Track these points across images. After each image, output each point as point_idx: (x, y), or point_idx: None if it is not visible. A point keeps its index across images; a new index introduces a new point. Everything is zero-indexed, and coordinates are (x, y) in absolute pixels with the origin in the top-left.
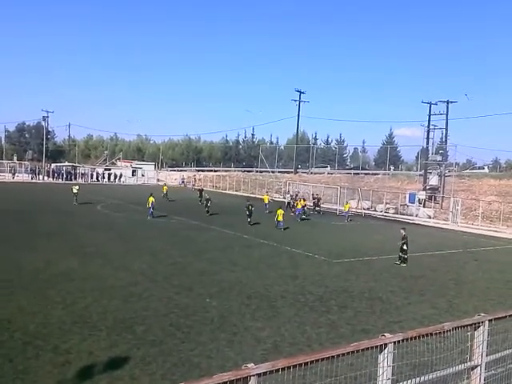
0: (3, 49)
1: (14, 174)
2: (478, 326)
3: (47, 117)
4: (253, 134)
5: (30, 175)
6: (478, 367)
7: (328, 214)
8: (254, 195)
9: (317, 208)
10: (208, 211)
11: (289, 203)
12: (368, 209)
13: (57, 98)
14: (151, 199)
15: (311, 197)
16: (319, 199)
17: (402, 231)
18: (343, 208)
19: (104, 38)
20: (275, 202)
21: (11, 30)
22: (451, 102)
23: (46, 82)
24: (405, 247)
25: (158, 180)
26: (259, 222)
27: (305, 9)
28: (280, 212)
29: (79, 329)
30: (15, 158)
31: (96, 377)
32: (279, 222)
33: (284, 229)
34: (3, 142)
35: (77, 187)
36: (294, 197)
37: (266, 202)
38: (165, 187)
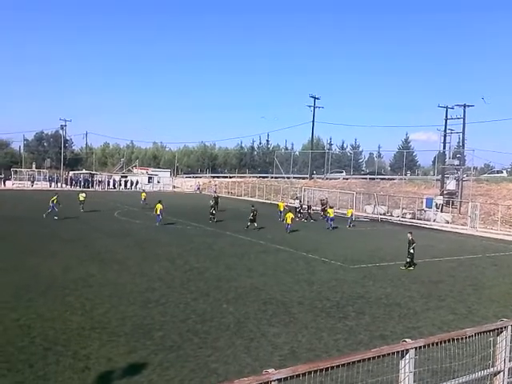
0: (22, 58)
1: (32, 182)
2: (501, 331)
3: (65, 125)
4: (267, 140)
5: (49, 183)
6: (501, 373)
7: (343, 219)
8: (269, 201)
9: (323, 213)
10: (213, 217)
11: (296, 208)
12: (384, 214)
13: (74, 106)
14: (159, 206)
15: (319, 202)
16: (326, 203)
17: (408, 235)
18: (346, 213)
19: (121, 46)
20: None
21: (28, 39)
22: (468, 106)
23: (64, 90)
24: (411, 251)
25: (174, 187)
26: (274, 229)
27: (319, 15)
28: (289, 215)
29: (98, 335)
30: (34, 166)
31: (115, 382)
32: (288, 224)
33: (290, 231)
34: (22, 150)
35: (83, 194)
36: (302, 202)
37: (281, 209)
38: (143, 194)
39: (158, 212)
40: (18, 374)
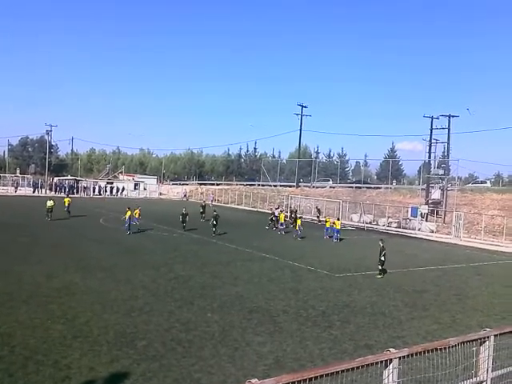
0: (6, 62)
1: (16, 188)
2: (484, 341)
3: (50, 131)
4: (255, 148)
5: (33, 189)
6: (484, 383)
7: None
8: (255, 209)
9: (318, 222)
10: (214, 230)
11: (276, 217)
12: (370, 223)
13: (60, 112)
14: (128, 213)
15: (289, 210)
16: (295, 211)
17: (380, 243)
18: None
19: (106, 52)
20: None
21: (14, 43)
22: (453, 116)
23: (50, 95)
24: (382, 258)
25: (160, 194)
26: (261, 237)
27: (307, 22)
28: (298, 221)
29: (80, 344)
30: (18, 171)
31: None
32: (296, 230)
33: (301, 238)
34: (6, 155)
35: (51, 202)
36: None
37: (282, 220)
38: (67, 199)
39: (127, 219)
40: None
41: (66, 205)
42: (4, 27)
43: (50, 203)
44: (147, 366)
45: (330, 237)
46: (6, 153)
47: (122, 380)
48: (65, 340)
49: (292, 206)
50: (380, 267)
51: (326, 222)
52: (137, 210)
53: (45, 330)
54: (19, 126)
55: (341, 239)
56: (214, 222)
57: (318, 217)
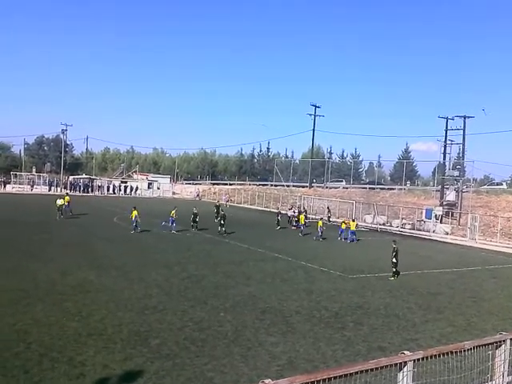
0: (23, 61)
1: (32, 186)
2: (500, 345)
3: (66, 130)
4: (268, 148)
5: (48, 187)
6: None
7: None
8: (268, 209)
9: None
10: (223, 230)
11: (289, 217)
12: (383, 224)
13: (75, 111)
14: (135, 213)
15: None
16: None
17: (392, 244)
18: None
19: (122, 51)
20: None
21: (29, 42)
22: (468, 117)
23: (65, 95)
24: (394, 260)
25: (174, 193)
26: (273, 237)
27: (320, 23)
28: (319, 223)
29: (94, 341)
30: (34, 170)
31: None
32: (318, 233)
33: (322, 238)
34: (22, 154)
35: (61, 200)
36: (295, 210)
37: (302, 222)
38: (66, 197)
39: (133, 219)
40: (12, 380)
41: (66, 203)
42: (17, 25)
43: (60, 202)
44: (160, 365)
45: (345, 239)
46: (23, 151)
47: (135, 378)
48: (80, 337)
49: (304, 207)
50: (394, 269)
51: (343, 223)
52: (173, 211)
53: (60, 327)
54: (35, 126)
55: (357, 240)
56: (222, 222)
57: (328, 217)
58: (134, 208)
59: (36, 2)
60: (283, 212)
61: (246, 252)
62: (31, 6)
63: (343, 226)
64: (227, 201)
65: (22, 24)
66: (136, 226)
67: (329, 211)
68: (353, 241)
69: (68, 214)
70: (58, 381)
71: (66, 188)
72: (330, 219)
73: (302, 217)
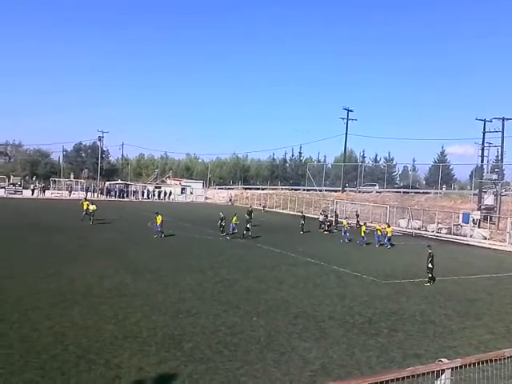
0: (61, 70)
1: (70, 192)
2: None
3: (102, 137)
4: (300, 153)
5: (85, 193)
6: None
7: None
8: (301, 213)
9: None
10: (249, 234)
11: (321, 222)
12: (419, 229)
13: (112, 118)
14: (159, 218)
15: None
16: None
17: (428, 249)
18: (377, 229)
19: (156, 59)
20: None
21: (68, 51)
22: (507, 119)
23: (102, 102)
24: (430, 265)
25: (206, 198)
26: (305, 241)
27: (354, 28)
28: (363, 228)
29: (130, 344)
30: (72, 176)
31: None
32: (361, 237)
33: (367, 244)
34: (61, 161)
35: (94, 206)
36: (326, 215)
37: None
38: (85, 203)
39: (159, 223)
40: (50, 382)
41: (85, 208)
42: (58, 35)
43: (92, 207)
44: (194, 368)
45: (381, 244)
46: (61, 158)
47: (169, 381)
48: (116, 340)
49: (336, 211)
50: (430, 275)
51: (377, 229)
52: (234, 218)
53: (96, 330)
54: (73, 133)
55: (390, 245)
56: (247, 226)
57: (357, 222)
58: (157, 213)
59: (74, 10)
60: (309, 215)
61: (279, 256)
62: (70, 14)
63: (379, 232)
64: (264, 206)
65: (61, 33)
66: (160, 230)
67: (357, 216)
68: (386, 246)
69: (82, 217)
70: (94, 382)
71: (102, 194)
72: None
73: (363, 228)
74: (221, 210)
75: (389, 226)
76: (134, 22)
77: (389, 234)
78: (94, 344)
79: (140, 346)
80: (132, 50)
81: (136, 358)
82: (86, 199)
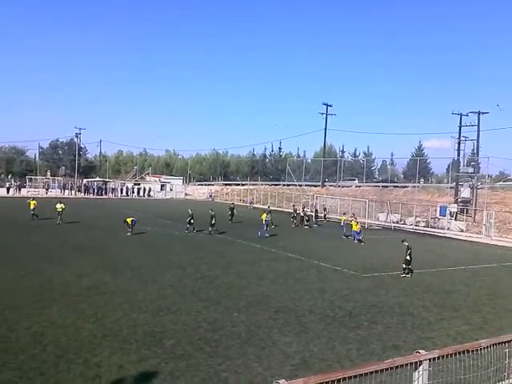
0: (39, 66)
1: (47, 190)
2: None
3: (80, 134)
4: (280, 148)
5: (62, 190)
6: None
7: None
8: (281, 208)
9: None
10: (214, 229)
11: (301, 217)
12: (397, 222)
13: (89, 115)
14: (129, 219)
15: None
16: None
17: (405, 243)
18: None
19: (133, 55)
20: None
21: (44, 47)
22: (483, 113)
23: (79, 99)
24: (408, 258)
25: (186, 194)
26: (286, 236)
27: (332, 22)
28: (354, 224)
29: (109, 342)
30: (49, 173)
31: None
32: (358, 233)
33: (359, 240)
34: (37, 158)
35: (62, 205)
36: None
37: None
38: (32, 201)
39: (131, 223)
40: (28, 382)
41: (32, 208)
42: (34, 31)
43: (60, 206)
44: (175, 365)
45: (358, 240)
46: (37, 156)
47: (150, 379)
48: (95, 339)
49: (316, 206)
50: (404, 266)
51: (342, 219)
52: (264, 214)
53: (75, 328)
54: (49, 130)
55: (359, 240)
56: (212, 222)
57: (325, 215)
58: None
59: (48, 5)
60: (298, 211)
61: (259, 252)
62: (44, 10)
63: (341, 223)
64: (251, 203)
65: (37, 29)
66: (132, 227)
67: (324, 209)
68: (360, 241)
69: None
70: (73, 382)
71: (80, 191)
72: (327, 217)
73: (353, 223)
74: (190, 207)
75: (353, 220)
76: (107, 17)
77: (354, 228)
78: (73, 343)
79: (120, 344)
80: (108, 46)
81: (116, 357)
82: (33, 198)
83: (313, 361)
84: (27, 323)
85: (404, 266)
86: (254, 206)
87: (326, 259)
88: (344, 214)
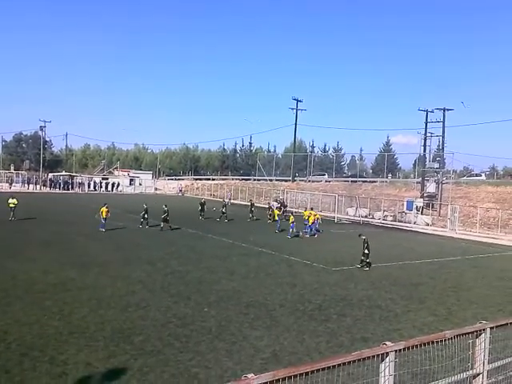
0: (1, 59)
1: (10, 184)
2: (480, 334)
3: (44, 126)
4: (250, 143)
5: (27, 185)
6: (480, 375)
7: (325, 222)
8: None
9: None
10: (167, 225)
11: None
12: (366, 216)
13: (54, 107)
14: (104, 210)
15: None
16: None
17: (362, 237)
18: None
19: (101, 47)
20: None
21: (9, 39)
22: (448, 110)
23: (43, 91)
24: (366, 251)
25: (156, 189)
26: (259, 231)
27: (302, 17)
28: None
29: (76, 339)
30: (12, 167)
31: None
32: (309, 226)
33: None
34: (0, 152)
35: (14, 200)
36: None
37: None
38: (12, 201)
39: (104, 216)
40: None
41: (12, 206)
42: None
43: (12, 203)
44: (144, 361)
45: (313, 233)
46: (0, 149)
47: (119, 375)
48: (61, 336)
49: (284, 201)
50: (362, 258)
51: (308, 216)
52: (276, 211)
53: (41, 326)
54: (13, 122)
55: (312, 235)
56: (164, 217)
57: (284, 211)
58: (105, 205)
59: None
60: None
61: (230, 247)
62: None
63: (291, 219)
64: (229, 198)
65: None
66: (104, 225)
67: (282, 204)
68: (314, 235)
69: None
70: (39, 380)
71: (45, 186)
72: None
73: (275, 211)
74: (145, 202)
75: (314, 214)
76: (75, 9)
77: (310, 222)
78: (38, 341)
79: (87, 341)
80: (74, 37)
81: (83, 354)
82: (13, 197)
83: (283, 354)
84: None
85: (362, 258)
86: (232, 201)
87: (297, 253)
88: (305, 208)
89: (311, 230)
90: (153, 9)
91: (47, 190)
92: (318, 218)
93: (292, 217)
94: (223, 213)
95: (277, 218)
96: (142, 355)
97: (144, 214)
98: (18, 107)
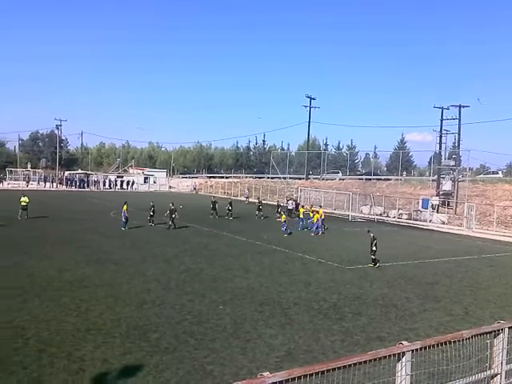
0: (18, 57)
1: (27, 182)
2: (498, 334)
3: (60, 125)
4: (264, 141)
5: (44, 183)
6: (498, 376)
7: (340, 220)
8: (265, 201)
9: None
10: (153, 220)
11: (291, 210)
12: (380, 214)
13: (70, 106)
14: (124, 207)
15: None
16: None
17: (370, 234)
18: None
19: (116, 46)
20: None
21: (23, 38)
22: (463, 107)
23: (60, 90)
24: (374, 248)
25: (170, 187)
26: (271, 229)
27: (317, 15)
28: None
29: (93, 336)
30: (29, 166)
31: None
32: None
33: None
34: (17, 150)
35: (26, 198)
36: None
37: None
38: (24, 198)
39: (122, 214)
40: (11, 376)
41: (24, 205)
42: (15, 22)
43: (24, 201)
44: (160, 358)
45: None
46: (17, 147)
47: (135, 372)
48: (78, 332)
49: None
50: (373, 257)
51: (313, 213)
52: (301, 209)
53: (58, 322)
54: (29, 121)
55: (317, 233)
56: (151, 213)
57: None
58: (125, 203)
59: None
60: (283, 204)
61: (244, 245)
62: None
63: (283, 218)
64: (247, 197)
65: (16, 19)
66: (126, 222)
67: (278, 206)
68: (318, 233)
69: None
70: (57, 376)
71: (61, 184)
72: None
73: (300, 210)
74: (152, 200)
75: (302, 207)
76: (90, 8)
77: (314, 220)
78: (56, 337)
79: (104, 337)
80: (90, 36)
81: (100, 350)
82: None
83: (298, 352)
84: (8, 317)
85: (373, 257)
86: (250, 200)
87: (311, 252)
88: (303, 206)
89: (317, 227)
90: (160, 7)
91: (63, 188)
92: (321, 215)
93: (284, 216)
94: (229, 210)
95: (301, 215)
96: (157, 352)
97: (151, 212)
98: (35, 106)
